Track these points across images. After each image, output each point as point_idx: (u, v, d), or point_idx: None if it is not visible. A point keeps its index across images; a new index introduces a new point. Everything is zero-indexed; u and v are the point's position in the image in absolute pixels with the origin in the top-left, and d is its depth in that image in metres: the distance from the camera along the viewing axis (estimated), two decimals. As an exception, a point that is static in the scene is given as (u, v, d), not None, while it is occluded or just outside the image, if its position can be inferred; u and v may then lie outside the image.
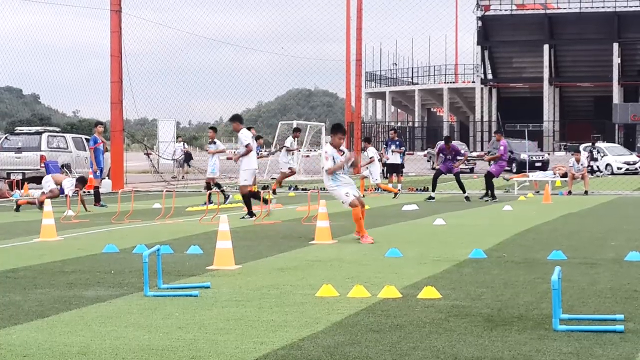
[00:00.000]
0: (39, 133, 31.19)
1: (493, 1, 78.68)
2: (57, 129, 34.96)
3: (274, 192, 27.22)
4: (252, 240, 13.55)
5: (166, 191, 23.79)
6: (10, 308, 7.72)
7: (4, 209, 21.71)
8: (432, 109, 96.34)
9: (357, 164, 14.65)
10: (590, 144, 49.78)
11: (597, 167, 45.07)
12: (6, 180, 28.81)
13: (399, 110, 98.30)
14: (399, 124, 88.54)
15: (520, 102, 78.87)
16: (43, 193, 20.67)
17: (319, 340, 6.29)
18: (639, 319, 6.97)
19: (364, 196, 18.16)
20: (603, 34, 75.02)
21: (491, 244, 12.54)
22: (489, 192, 24.40)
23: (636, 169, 47.42)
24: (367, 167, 27.25)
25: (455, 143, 58.90)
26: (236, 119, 18.28)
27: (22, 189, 27.84)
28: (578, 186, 29.23)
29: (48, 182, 21.09)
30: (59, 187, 20.91)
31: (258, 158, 30.11)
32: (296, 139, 29.41)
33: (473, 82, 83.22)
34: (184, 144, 45.73)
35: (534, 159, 47.92)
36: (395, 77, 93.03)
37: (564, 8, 76.81)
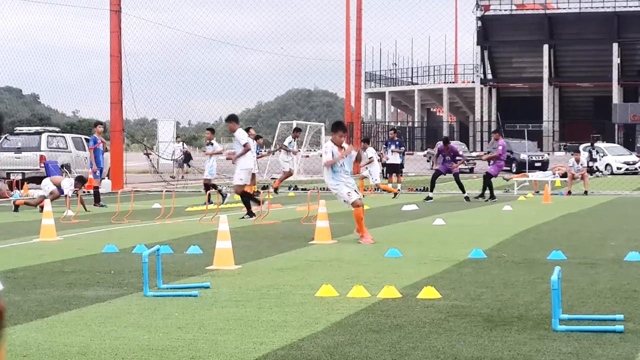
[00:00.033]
0: (39, 133, 31.18)
1: (493, 1, 78.70)
2: (57, 129, 34.96)
3: (276, 191, 27.26)
4: (252, 240, 13.55)
5: (166, 191, 23.80)
6: (10, 308, 7.71)
7: (4, 209, 21.71)
8: (431, 109, 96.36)
9: (361, 157, 14.73)
10: (589, 144, 49.81)
11: (596, 167, 45.08)
12: (6, 181, 28.81)
13: (398, 110, 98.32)
14: (399, 124, 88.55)
15: (520, 102, 78.89)
16: (42, 196, 20.65)
17: (318, 341, 6.29)
18: (639, 319, 6.97)
19: (363, 196, 18.16)
20: (603, 34, 75.05)
21: (491, 244, 12.54)
22: (485, 192, 24.36)
23: (636, 169, 47.44)
24: (366, 168, 27.25)
25: (455, 143, 58.93)
26: (232, 119, 18.27)
27: (21, 189, 27.84)
28: (578, 186, 29.24)
29: (47, 185, 21.10)
30: (58, 188, 20.92)
31: (258, 157, 30.21)
32: (296, 139, 29.41)
33: (473, 82, 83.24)
34: (183, 144, 45.73)
35: (534, 159, 47.93)
36: (394, 77, 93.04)
37: (564, 8, 76.83)
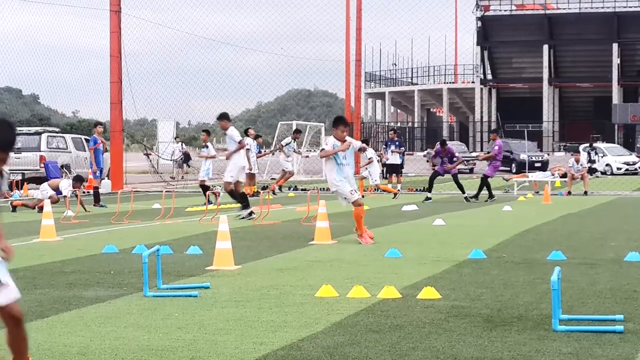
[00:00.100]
0: (39, 133, 31.18)
1: (493, 1, 78.71)
2: (57, 130, 34.96)
3: (280, 189, 27.26)
4: (252, 240, 13.55)
5: (166, 191, 23.79)
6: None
7: (3, 209, 21.70)
8: (431, 110, 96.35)
9: (365, 148, 14.77)
10: (588, 144, 49.83)
11: (595, 168, 45.10)
12: (6, 181, 28.78)
13: (398, 110, 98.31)
14: (399, 125, 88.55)
15: (520, 102, 78.88)
16: (39, 200, 20.64)
17: (318, 341, 6.29)
18: (639, 320, 6.97)
19: (363, 197, 18.17)
20: (602, 35, 75.06)
21: (491, 245, 12.54)
22: (480, 193, 24.32)
23: (636, 169, 47.44)
24: (366, 168, 27.26)
25: (455, 143, 59.03)
26: (224, 117, 18.23)
27: (21, 189, 27.84)
28: (578, 187, 29.24)
29: (45, 190, 21.11)
30: (56, 191, 20.94)
31: (259, 157, 30.23)
32: (296, 140, 29.39)
33: (472, 82, 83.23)
34: (182, 145, 45.72)
35: (534, 159, 47.92)
36: (394, 77, 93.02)
37: (564, 8, 76.84)
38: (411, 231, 15.24)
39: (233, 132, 18.05)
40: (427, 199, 24.23)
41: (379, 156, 30.58)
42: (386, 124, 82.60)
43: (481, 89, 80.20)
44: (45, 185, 21.66)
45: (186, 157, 44.61)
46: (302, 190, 29.49)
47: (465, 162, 46.75)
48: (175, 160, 42.94)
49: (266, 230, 15.37)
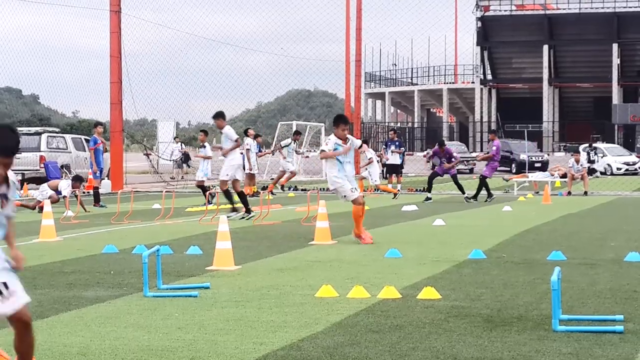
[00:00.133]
0: (39, 133, 31.18)
1: (492, 2, 78.69)
2: (57, 130, 34.96)
3: (272, 193, 27.23)
4: (252, 240, 13.55)
5: (166, 192, 23.79)
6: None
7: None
8: (431, 110, 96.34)
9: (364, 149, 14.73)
10: (587, 145, 49.85)
11: (594, 168, 45.11)
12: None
13: (398, 110, 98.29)
14: (399, 125, 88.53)
15: (520, 102, 78.86)
16: (38, 201, 20.64)
17: (318, 341, 6.29)
18: (639, 320, 6.97)
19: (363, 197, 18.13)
20: (602, 35, 75.05)
21: (491, 245, 12.54)
22: (479, 194, 24.33)
23: (636, 169, 47.45)
24: (366, 169, 27.27)
25: (455, 144, 59.05)
26: (220, 116, 18.22)
27: (21, 189, 27.84)
28: (578, 187, 29.24)
29: (45, 191, 21.11)
30: (55, 191, 20.93)
31: (260, 156, 30.23)
32: (296, 141, 29.39)
33: (472, 82, 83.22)
34: (181, 145, 45.73)
35: (534, 159, 47.93)
36: (394, 77, 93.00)
37: (564, 9, 76.82)
38: (411, 231, 15.24)
39: (229, 131, 18.05)
40: (428, 199, 24.23)
41: (378, 156, 30.59)
42: (386, 124, 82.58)
43: (481, 89, 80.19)
44: (44, 185, 21.66)
45: (186, 157, 44.61)
46: (302, 190, 29.49)
47: (465, 162, 46.83)
48: (175, 161, 42.93)
49: (266, 231, 15.37)
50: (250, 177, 27.54)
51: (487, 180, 24.24)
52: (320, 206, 13.58)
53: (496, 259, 10.93)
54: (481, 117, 78.64)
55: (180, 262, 10.90)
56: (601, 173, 45.50)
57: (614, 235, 14.07)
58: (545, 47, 76.80)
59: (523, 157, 46.86)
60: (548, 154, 56.43)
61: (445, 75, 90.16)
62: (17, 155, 30.69)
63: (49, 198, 20.37)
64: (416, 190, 28.92)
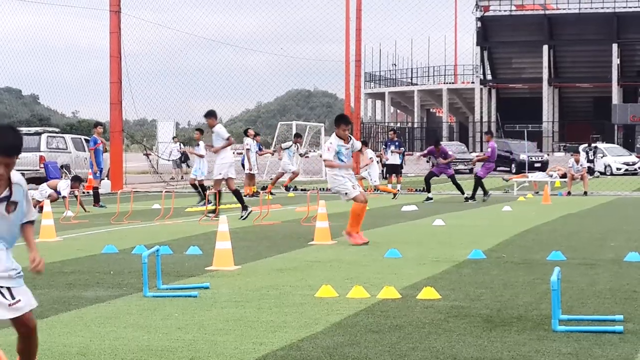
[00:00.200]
0: (38, 134, 31.18)
1: (492, 2, 78.68)
2: (57, 130, 34.96)
3: (271, 193, 27.21)
4: (252, 240, 13.55)
5: (165, 192, 23.80)
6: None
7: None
8: (431, 110, 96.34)
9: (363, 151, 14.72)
10: (586, 145, 49.86)
11: (593, 168, 45.12)
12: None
13: (398, 110, 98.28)
14: (398, 125, 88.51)
15: (520, 102, 78.86)
16: (37, 200, 20.63)
17: (318, 341, 6.29)
18: (638, 320, 6.97)
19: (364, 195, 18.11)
20: (602, 35, 75.04)
21: (490, 245, 12.54)
22: (475, 194, 24.32)
23: (635, 169, 47.46)
24: (366, 169, 27.26)
25: (455, 144, 59.03)
26: (211, 115, 18.22)
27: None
28: (577, 187, 29.24)
29: (44, 190, 21.11)
30: (55, 191, 20.93)
31: (261, 154, 30.23)
32: (297, 144, 29.41)
33: (472, 82, 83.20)
34: (180, 145, 45.74)
35: (534, 159, 47.92)
36: (394, 77, 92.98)
37: (563, 9, 76.82)
38: (411, 231, 15.24)
39: (220, 129, 18.04)
40: (428, 199, 24.23)
41: (378, 157, 30.60)
42: (386, 124, 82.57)
43: (481, 89, 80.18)
44: (44, 185, 21.66)
45: (185, 157, 44.61)
46: (302, 190, 29.49)
47: (465, 162, 46.84)
48: (174, 161, 42.94)
49: (266, 231, 15.37)
50: (250, 177, 27.55)
51: (483, 180, 24.27)
52: (320, 206, 13.58)
53: (496, 259, 10.93)
54: (481, 117, 78.63)
55: (180, 262, 10.90)
56: (601, 173, 45.51)
57: (614, 235, 14.07)
58: (545, 47, 76.79)
59: (523, 157, 46.86)
60: (548, 154, 56.44)
61: (445, 75, 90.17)
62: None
63: (48, 197, 20.38)
64: (416, 190, 28.92)
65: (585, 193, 27.52)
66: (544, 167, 45.84)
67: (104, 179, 27.92)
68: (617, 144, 60.37)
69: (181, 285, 9.00)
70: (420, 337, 6.40)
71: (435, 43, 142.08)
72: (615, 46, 74.76)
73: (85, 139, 32.01)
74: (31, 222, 5.11)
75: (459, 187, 24.40)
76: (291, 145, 28.69)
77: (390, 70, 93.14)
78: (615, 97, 74.83)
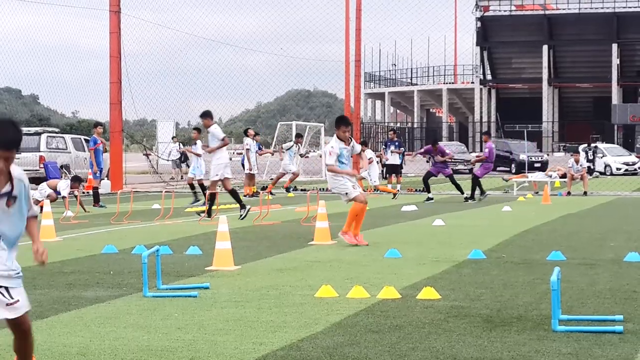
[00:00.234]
0: (38, 134, 31.18)
1: (492, 2, 78.69)
2: (56, 130, 34.97)
3: (271, 193, 27.22)
4: (252, 240, 13.55)
5: (165, 192, 23.79)
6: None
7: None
8: (431, 110, 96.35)
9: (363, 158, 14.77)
10: (586, 145, 49.85)
11: (592, 168, 45.11)
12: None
13: (398, 111, 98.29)
14: (398, 125, 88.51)
15: (520, 102, 78.88)
16: (37, 200, 20.63)
17: (318, 341, 6.29)
18: (638, 320, 6.97)
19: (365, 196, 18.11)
20: (602, 35, 75.06)
21: (490, 245, 12.54)
22: (474, 194, 24.34)
23: (635, 169, 47.46)
24: (366, 169, 27.24)
25: (455, 144, 59.01)
26: (207, 115, 18.22)
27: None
28: (577, 187, 29.24)
29: (44, 189, 21.11)
30: (54, 191, 20.93)
31: (262, 154, 30.21)
32: (298, 144, 29.39)
33: (472, 82, 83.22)
34: (179, 145, 45.73)
35: (533, 159, 47.92)
36: (394, 77, 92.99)
37: (563, 9, 76.83)
38: (411, 231, 15.24)
39: (216, 130, 18.04)
40: (429, 199, 24.22)
41: (378, 157, 30.59)
42: (386, 124, 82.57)
43: (481, 89, 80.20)
44: (43, 184, 21.65)
45: (185, 157, 44.57)
46: (301, 190, 29.49)
47: (465, 162, 46.82)
48: (173, 161, 42.93)
49: (266, 231, 15.37)
50: (250, 177, 27.54)
51: (481, 180, 24.28)
52: (319, 206, 13.58)
53: (496, 259, 10.93)
54: (481, 117, 78.64)
55: (180, 262, 10.90)
56: (600, 173, 45.50)
57: (614, 235, 14.07)
58: (545, 47, 76.80)
59: (523, 157, 46.85)
60: (548, 154, 56.44)
61: (444, 75, 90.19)
62: (17, 155, 30.86)
63: (47, 197, 20.38)
64: (416, 190, 28.91)
65: (585, 193, 27.52)
66: (543, 167, 45.83)
67: (103, 179, 27.91)
68: (617, 144, 60.36)
69: (181, 285, 9.00)
70: (420, 337, 6.40)
71: (435, 43, 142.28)
72: (615, 46, 74.78)
73: (85, 139, 32.01)
74: (34, 217, 5.09)
75: (457, 187, 24.40)
76: (292, 146, 28.68)
77: (390, 70, 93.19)
78: (615, 97, 74.84)
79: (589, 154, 46.25)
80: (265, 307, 7.73)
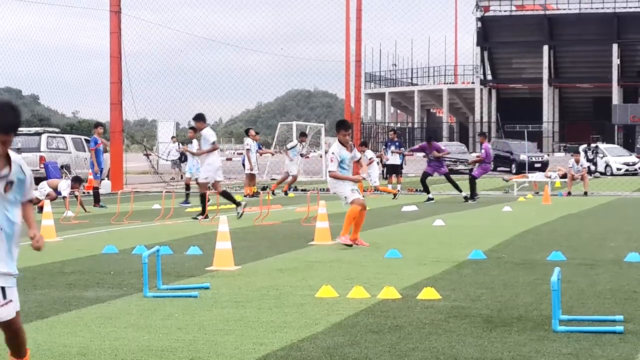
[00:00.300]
0: (39, 134, 31.19)
1: (492, 2, 78.68)
2: (57, 130, 34.97)
3: (273, 193, 27.23)
4: (252, 241, 13.55)
5: (165, 192, 23.79)
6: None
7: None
8: (431, 110, 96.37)
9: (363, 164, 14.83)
10: (586, 145, 49.86)
11: (592, 168, 45.09)
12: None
13: (398, 111, 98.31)
14: (399, 125, 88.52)
15: (520, 103, 78.87)
16: (37, 199, 20.64)
17: (318, 341, 6.29)
18: (639, 320, 6.97)
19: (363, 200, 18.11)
20: (602, 35, 75.03)
21: (491, 245, 12.54)
22: (474, 193, 24.35)
23: (635, 169, 47.46)
24: (365, 170, 27.20)
25: (455, 144, 59.00)
26: (200, 118, 18.24)
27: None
28: (577, 187, 29.23)
29: (44, 188, 21.11)
30: (55, 190, 20.93)
31: (262, 153, 30.21)
32: (303, 143, 29.37)
33: (472, 83, 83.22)
34: (179, 145, 45.72)
35: (534, 159, 47.92)
36: (394, 78, 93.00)
37: (564, 9, 76.81)
38: (411, 232, 15.24)
39: (208, 133, 18.05)
40: (429, 199, 24.21)
41: (378, 157, 30.59)
42: (386, 124, 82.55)
43: (481, 89, 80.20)
44: (44, 183, 21.63)
45: (184, 157, 44.54)
46: (302, 190, 29.49)
47: (465, 162, 46.81)
48: (173, 161, 42.92)
49: (266, 231, 15.37)
50: (251, 177, 27.53)
51: (477, 181, 24.30)
52: (320, 207, 13.58)
53: (496, 260, 10.93)
54: (481, 117, 78.63)
55: (180, 262, 10.90)
56: (601, 173, 45.50)
57: (614, 235, 14.07)
58: (545, 48, 76.79)
59: (523, 157, 46.85)
60: (548, 155, 56.42)
61: (445, 75, 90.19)
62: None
63: (47, 196, 20.40)
64: (416, 190, 28.90)
65: (586, 193, 27.52)
66: (544, 167, 45.83)
67: (104, 179, 27.92)
68: (617, 144, 60.36)
69: (181, 285, 9.00)
70: (421, 337, 6.40)
71: (436, 43, 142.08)
72: (615, 46, 74.76)
73: (85, 139, 32.01)
74: (30, 201, 5.06)
75: (454, 185, 24.40)
76: (296, 145, 28.68)
77: (390, 71, 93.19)
78: (616, 97, 74.83)
79: (588, 154, 46.24)
80: (265, 307, 7.73)
